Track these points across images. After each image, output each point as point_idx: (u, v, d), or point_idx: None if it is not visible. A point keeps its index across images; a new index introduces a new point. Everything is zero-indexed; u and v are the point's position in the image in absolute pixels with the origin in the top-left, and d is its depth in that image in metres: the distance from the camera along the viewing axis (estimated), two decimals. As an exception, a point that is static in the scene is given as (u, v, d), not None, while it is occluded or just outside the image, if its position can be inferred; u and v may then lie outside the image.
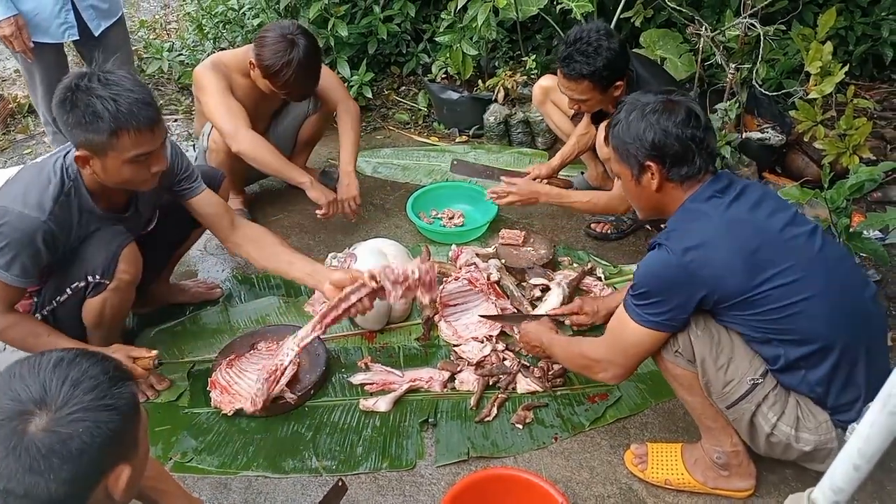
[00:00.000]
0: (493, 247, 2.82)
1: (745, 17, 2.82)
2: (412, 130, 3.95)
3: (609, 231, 2.95)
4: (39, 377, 1.04)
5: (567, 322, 2.39)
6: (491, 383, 2.25)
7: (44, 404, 1.01)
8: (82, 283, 2.03)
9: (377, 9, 3.93)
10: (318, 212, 2.81)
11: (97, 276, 2.02)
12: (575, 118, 2.98)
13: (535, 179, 2.96)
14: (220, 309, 2.62)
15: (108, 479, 1.06)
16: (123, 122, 1.75)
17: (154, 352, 2.10)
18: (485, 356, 2.31)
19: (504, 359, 2.32)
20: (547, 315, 2.36)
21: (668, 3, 2.89)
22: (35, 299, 2.11)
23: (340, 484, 1.81)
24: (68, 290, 2.04)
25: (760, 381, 1.65)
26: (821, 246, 1.63)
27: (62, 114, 1.78)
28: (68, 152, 1.94)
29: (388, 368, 2.30)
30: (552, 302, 2.45)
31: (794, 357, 1.61)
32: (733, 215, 1.64)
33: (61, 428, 1.00)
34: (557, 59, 2.47)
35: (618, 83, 2.47)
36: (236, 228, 2.27)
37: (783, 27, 3.03)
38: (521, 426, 2.11)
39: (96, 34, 3.08)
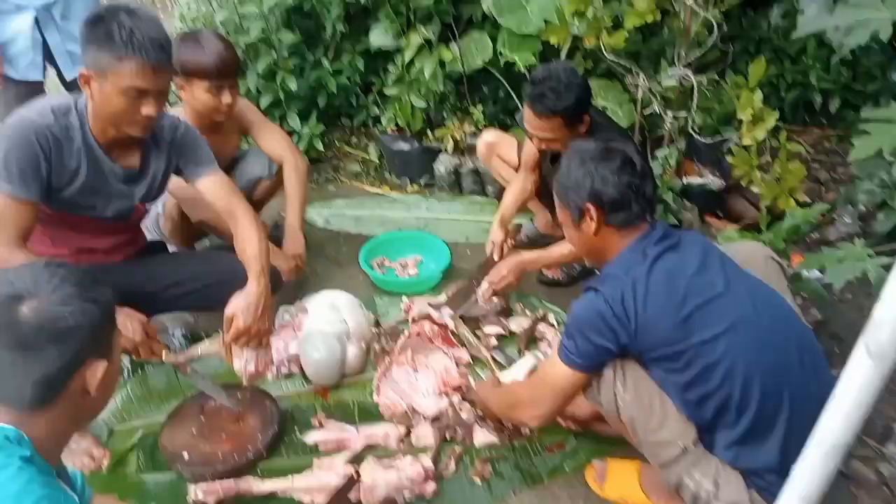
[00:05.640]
0: (443, 295, 2.83)
1: (680, 68, 2.94)
2: (364, 181, 3.96)
3: (560, 277, 2.99)
4: (32, 272, 1.18)
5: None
6: (448, 437, 2.23)
7: (35, 292, 1.15)
8: None
9: (326, 63, 3.98)
10: (283, 277, 2.76)
11: None
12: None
13: (501, 252, 2.85)
14: (168, 369, 2.53)
15: (87, 371, 1.19)
16: (131, 50, 1.88)
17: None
18: (441, 410, 2.28)
19: (460, 409, 2.30)
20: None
21: (607, 55, 3.00)
22: None
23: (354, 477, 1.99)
24: None
25: (692, 447, 1.65)
26: (753, 303, 1.64)
27: (86, 30, 1.91)
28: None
29: (342, 424, 2.26)
30: (525, 364, 2.36)
31: (710, 417, 1.63)
32: (667, 266, 1.66)
33: (51, 308, 1.14)
34: (526, 98, 2.45)
35: (585, 118, 2.49)
36: (235, 230, 2.33)
37: (716, 77, 3.17)
38: (479, 480, 2.09)
39: (68, 79, 3.06)
